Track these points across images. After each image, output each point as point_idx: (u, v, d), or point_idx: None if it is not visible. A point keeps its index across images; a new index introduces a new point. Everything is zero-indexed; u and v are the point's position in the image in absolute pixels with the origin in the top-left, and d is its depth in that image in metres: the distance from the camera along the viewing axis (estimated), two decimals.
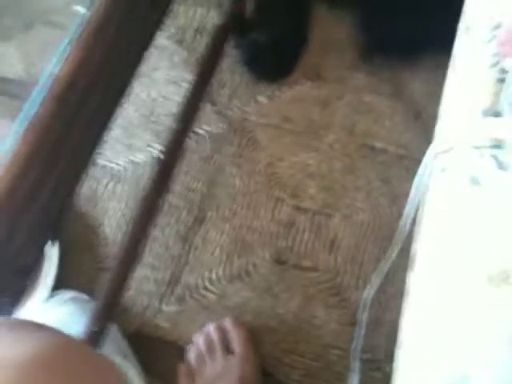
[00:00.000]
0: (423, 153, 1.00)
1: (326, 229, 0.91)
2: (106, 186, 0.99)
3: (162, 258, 0.93)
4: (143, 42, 0.64)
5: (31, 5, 0.58)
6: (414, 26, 0.97)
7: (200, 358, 0.78)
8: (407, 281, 0.46)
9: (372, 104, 1.01)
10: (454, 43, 0.56)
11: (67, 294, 0.86)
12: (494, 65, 0.49)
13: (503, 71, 0.48)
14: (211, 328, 0.81)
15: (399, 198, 0.93)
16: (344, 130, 0.99)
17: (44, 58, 0.52)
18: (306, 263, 0.90)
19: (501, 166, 0.44)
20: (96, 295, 0.87)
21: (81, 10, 0.56)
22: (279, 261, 0.91)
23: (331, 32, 1.07)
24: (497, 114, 0.47)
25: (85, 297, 0.88)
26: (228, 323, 0.81)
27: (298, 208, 0.94)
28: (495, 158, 0.45)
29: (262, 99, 1.03)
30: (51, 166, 0.54)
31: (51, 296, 0.86)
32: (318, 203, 0.93)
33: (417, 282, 0.43)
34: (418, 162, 0.96)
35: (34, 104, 0.50)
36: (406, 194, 0.92)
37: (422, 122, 0.99)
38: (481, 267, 0.40)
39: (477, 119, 0.47)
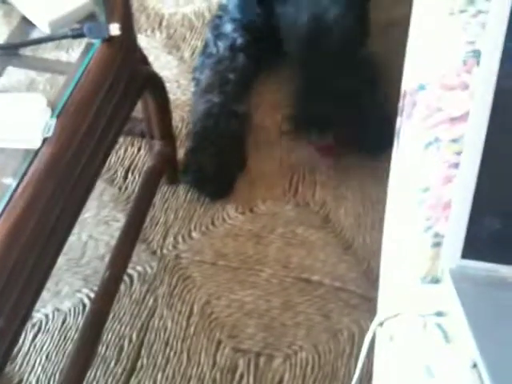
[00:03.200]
0: (358, 285, 1.01)
1: (268, 372, 0.88)
2: (28, 337, 0.91)
3: None
4: (80, 202, 0.63)
5: None
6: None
7: None
8: None
9: (303, 236, 1.03)
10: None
11: None
12: (428, 229, 0.51)
13: (437, 235, 0.50)
14: None
15: (340, 332, 0.92)
16: (279, 264, 0.99)
17: None
18: None
19: (446, 337, 0.44)
20: None
21: (9, 181, 0.54)
22: None
23: (262, 165, 1.10)
24: (435, 281, 0.48)
25: None
26: None
27: (238, 350, 0.90)
28: (439, 327, 0.45)
29: (195, 235, 1.02)
30: None
31: None
32: (258, 344, 0.91)
33: None
34: (355, 294, 0.97)
35: None
36: (346, 329, 0.92)
37: (353, 252, 1.01)
38: None
39: (417, 287, 0.48)
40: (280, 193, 1.07)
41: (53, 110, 0.57)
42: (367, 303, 0.93)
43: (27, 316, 0.63)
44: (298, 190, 1.08)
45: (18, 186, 0.53)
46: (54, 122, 0.55)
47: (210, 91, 1.12)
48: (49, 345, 0.90)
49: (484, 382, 0.37)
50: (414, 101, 0.64)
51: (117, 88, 0.66)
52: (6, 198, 0.52)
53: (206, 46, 1.21)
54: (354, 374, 0.55)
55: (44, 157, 0.54)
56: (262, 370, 0.88)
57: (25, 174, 0.53)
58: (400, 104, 0.67)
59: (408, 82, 0.67)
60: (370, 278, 0.97)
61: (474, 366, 0.39)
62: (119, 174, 1.07)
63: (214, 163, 1.05)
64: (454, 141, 0.56)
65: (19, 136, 0.54)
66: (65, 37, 0.67)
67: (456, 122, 0.59)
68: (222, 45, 1.18)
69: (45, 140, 0.55)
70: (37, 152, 0.54)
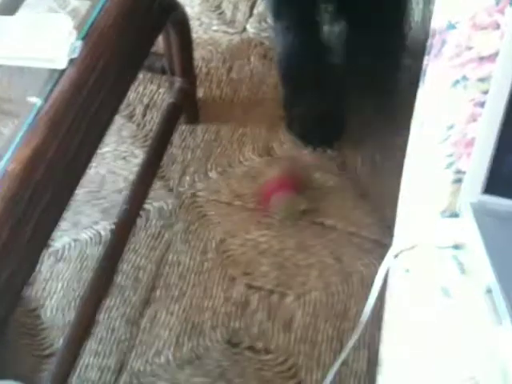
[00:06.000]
0: (372, 231, 1.02)
1: (280, 308, 0.90)
2: (46, 265, 0.94)
3: (107, 343, 0.88)
4: (100, 131, 0.63)
5: None
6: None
7: None
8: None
9: (319, 181, 1.03)
10: None
11: None
12: (450, 165, 0.51)
13: (459, 172, 0.50)
14: None
15: (352, 275, 0.93)
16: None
17: None
18: (260, 345, 0.88)
19: (462, 269, 0.44)
20: None
21: (35, 100, 0.54)
22: (232, 343, 0.88)
23: (280, 109, 1.10)
24: (454, 215, 0.48)
25: None
26: None
27: (250, 286, 0.92)
28: (456, 259, 0.46)
29: (213, 175, 1.02)
30: (4, 261, 0.50)
31: None
32: (271, 282, 0.92)
33: None
34: (368, 239, 0.98)
35: None
36: (358, 272, 0.93)
37: (369, 200, 1.01)
38: (449, 374, 0.40)
39: (436, 220, 0.48)
40: None
41: (78, 32, 0.57)
42: (380, 249, 0.94)
43: (46, 240, 0.64)
44: None
45: (43, 104, 0.53)
46: (79, 43, 0.55)
47: None
48: (67, 273, 0.93)
49: (497, 306, 0.37)
50: (444, 39, 0.62)
51: (141, 15, 0.66)
52: (32, 116, 0.52)
53: None
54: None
55: (69, 77, 0.54)
56: (274, 306, 0.90)
57: (50, 93, 0.53)
58: (428, 43, 0.66)
59: (438, 21, 0.66)
60: (384, 224, 0.97)
61: (489, 291, 0.39)
62: (138, 110, 1.07)
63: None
64: (482, 80, 0.56)
65: (46, 56, 0.54)
66: None
67: (484, 61, 0.58)
68: None
69: (70, 61, 0.55)
70: (62, 72, 0.55)
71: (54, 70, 0.54)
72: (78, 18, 0.59)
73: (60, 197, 0.58)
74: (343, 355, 0.70)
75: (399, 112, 0.98)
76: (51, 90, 0.53)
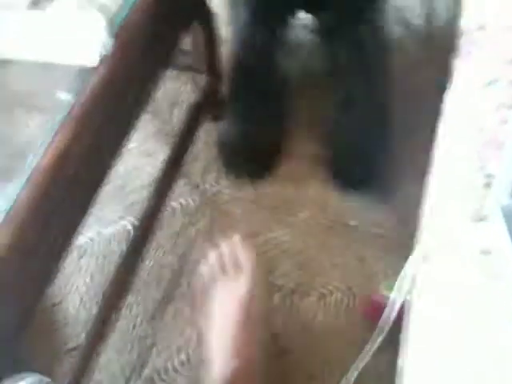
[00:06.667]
0: (396, 232, 1.00)
1: (303, 308, 0.90)
2: (70, 259, 0.95)
3: (129, 339, 0.89)
4: (128, 128, 0.63)
5: (12, 88, 0.57)
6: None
7: (212, 272, 0.78)
8: None
9: None
10: None
11: (28, 379, 0.81)
12: (480, 169, 0.50)
13: (489, 176, 0.49)
14: (223, 245, 0.80)
15: (375, 275, 0.92)
16: (317, 207, 0.99)
17: (26, 147, 0.51)
18: (280, 344, 0.88)
19: (489, 274, 0.44)
20: (59, 379, 0.82)
21: (65, 96, 0.55)
22: None
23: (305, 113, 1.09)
24: (483, 219, 0.48)
25: (47, 380, 0.83)
26: (236, 239, 0.81)
27: (273, 285, 0.92)
28: (483, 263, 0.45)
29: None
30: (33, 256, 0.51)
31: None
32: (293, 281, 0.92)
33: None
34: (392, 240, 0.97)
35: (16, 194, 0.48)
36: (382, 273, 0.92)
37: (393, 201, 1.00)
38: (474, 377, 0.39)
39: (464, 223, 0.48)
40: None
41: (109, 30, 0.57)
42: (403, 249, 0.93)
43: (73, 237, 0.65)
44: None
45: (74, 101, 0.54)
46: (111, 40, 0.56)
47: None
48: (91, 267, 0.94)
49: None
50: (472, 40, 0.62)
51: (170, 13, 0.66)
52: (64, 113, 0.53)
53: None
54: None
55: (100, 74, 0.55)
56: (296, 305, 0.90)
57: (81, 90, 0.54)
58: (457, 44, 0.65)
59: (467, 22, 0.65)
60: (408, 226, 0.96)
61: None
62: (164, 107, 1.08)
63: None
64: None
65: (78, 53, 0.55)
66: None
67: None
68: None
69: (101, 58, 0.55)
70: (93, 69, 0.55)
71: (85, 67, 0.55)
72: (107, 15, 0.60)
73: (88, 193, 0.58)
74: (365, 357, 0.69)
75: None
76: (82, 87, 0.54)
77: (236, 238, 0.82)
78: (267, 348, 0.79)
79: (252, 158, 1.01)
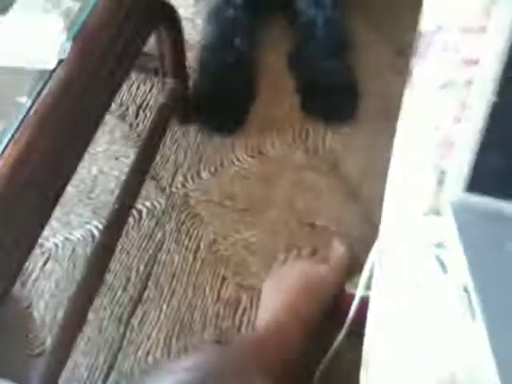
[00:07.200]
0: (362, 232, 1.02)
1: None
2: (37, 264, 0.94)
3: (95, 343, 0.89)
4: (89, 132, 0.63)
5: None
6: None
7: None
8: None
9: (311, 181, 1.03)
10: None
11: None
12: (434, 166, 0.52)
13: (442, 172, 0.51)
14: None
15: None
16: (285, 207, 1.00)
17: None
18: None
19: (443, 268, 0.45)
20: None
21: (24, 100, 0.54)
22: (221, 343, 0.89)
23: (271, 110, 1.10)
24: (437, 213, 0.49)
25: None
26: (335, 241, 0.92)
27: (241, 286, 0.93)
28: (438, 258, 0.46)
29: (204, 175, 1.03)
30: None
31: None
32: (262, 281, 0.93)
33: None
34: (359, 241, 0.98)
35: None
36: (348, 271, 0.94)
37: (360, 201, 1.02)
38: (429, 369, 0.40)
39: (419, 218, 0.49)
40: (290, 138, 1.08)
41: (68, 33, 0.57)
42: (370, 247, 0.95)
43: (34, 242, 0.64)
44: (309, 136, 1.08)
45: (32, 105, 0.54)
46: (69, 44, 0.56)
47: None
48: (58, 272, 0.93)
49: (472, 303, 0.38)
50: (430, 42, 0.63)
51: (132, 16, 0.66)
52: (21, 117, 0.53)
53: None
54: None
55: (58, 78, 0.55)
56: None
57: (39, 93, 0.54)
58: (414, 45, 0.67)
59: (425, 23, 0.66)
60: (374, 225, 0.98)
61: (465, 290, 0.40)
62: (131, 110, 1.08)
63: (224, 95, 1.06)
64: (469, 82, 0.56)
65: (35, 56, 0.55)
66: None
67: (472, 64, 0.58)
68: None
69: (60, 62, 0.55)
70: (51, 73, 0.55)
71: (43, 71, 0.55)
72: (69, 19, 0.60)
73: (48, 197, 0.58)
74: (330, 352, 0.70)
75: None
76: (40, 91, 0.54)
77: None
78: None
79: (227, 105, 1.06)
